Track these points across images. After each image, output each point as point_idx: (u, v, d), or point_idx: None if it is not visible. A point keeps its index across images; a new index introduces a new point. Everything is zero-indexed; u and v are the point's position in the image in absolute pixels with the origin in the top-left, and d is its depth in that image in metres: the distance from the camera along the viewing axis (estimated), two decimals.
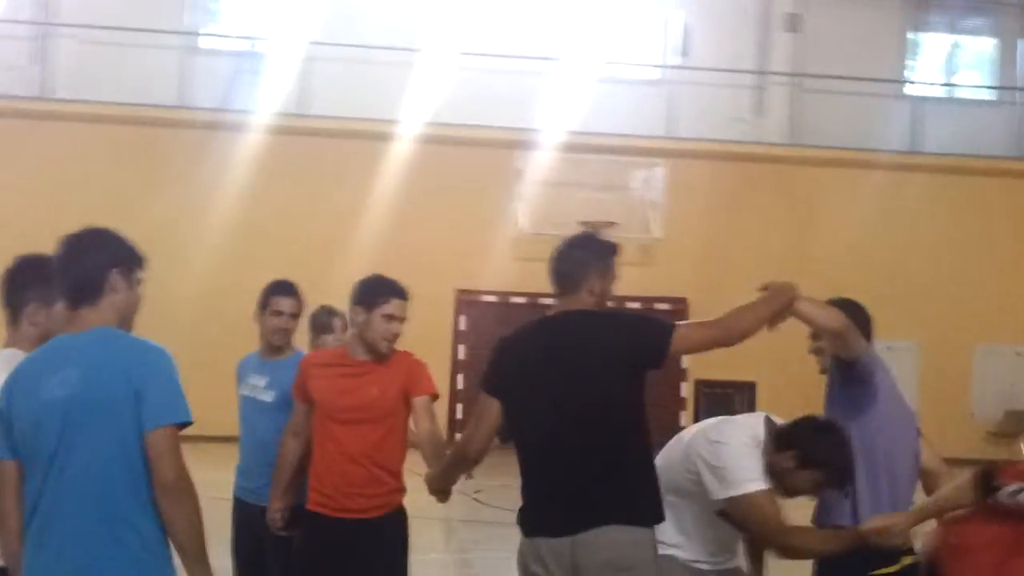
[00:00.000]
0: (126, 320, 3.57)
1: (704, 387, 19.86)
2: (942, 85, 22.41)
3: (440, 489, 4.80)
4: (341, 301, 5.61)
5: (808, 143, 20.72)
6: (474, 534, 12.09)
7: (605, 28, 20.86)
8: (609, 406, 4.14)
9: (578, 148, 19.12)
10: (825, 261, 18.97)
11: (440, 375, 17.00)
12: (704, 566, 4.55)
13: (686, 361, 18.89)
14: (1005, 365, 20.75)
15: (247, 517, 5.75)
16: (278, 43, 19.77)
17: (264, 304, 5.86)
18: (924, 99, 21.94)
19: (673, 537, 4.44)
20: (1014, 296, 20.45)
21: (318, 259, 16.93)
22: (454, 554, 11.59)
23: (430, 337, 16.65)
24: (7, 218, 16.94)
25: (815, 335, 4.62)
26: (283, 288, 5.89)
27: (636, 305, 17.04)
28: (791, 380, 14.05)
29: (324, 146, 19.11)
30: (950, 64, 22.57)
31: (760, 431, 4.38)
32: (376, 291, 5.13)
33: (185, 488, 3.38)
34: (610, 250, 4.45)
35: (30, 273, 3.93)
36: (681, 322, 4.30)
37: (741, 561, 4.79)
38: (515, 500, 4.33)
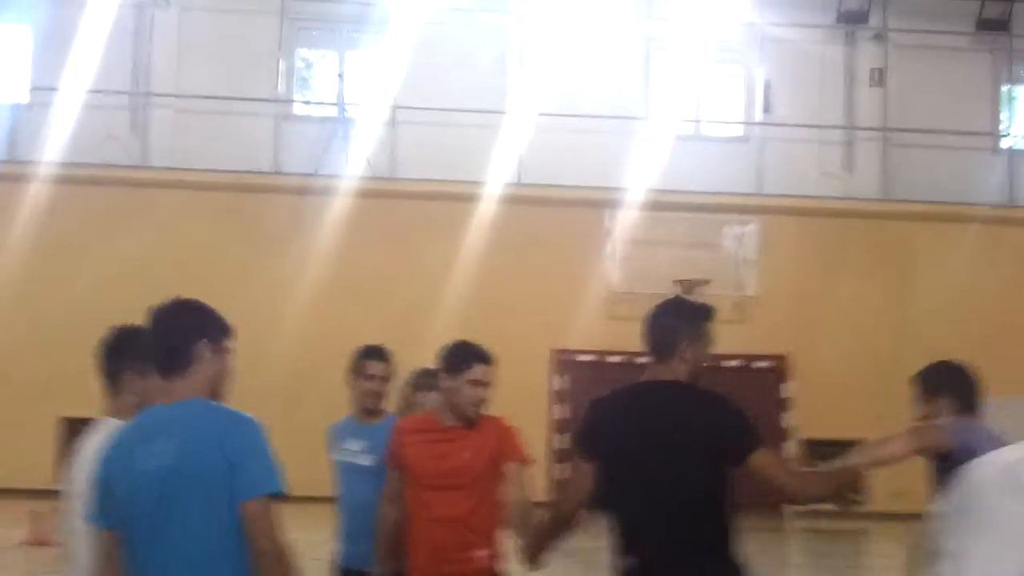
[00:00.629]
0: (218, 389, 3.60)
1: (810, 447, 19.35)
2: None
3: (534, 556, 4.73)
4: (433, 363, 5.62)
5: (900, 198, 20.45)
6: None
7: (689, 86, 20.86)
8: (698, 491, 4.15)
9: (666, 206, 19.04)
10: (923, 318, 18.65)
11: (537, 435, 17.08)
12: None
13: (791, 419, 18.80)
14: None
15: None
16: (366, 108, 20.03)
17: (356, 368, 5.91)
18: (1020, 152, 21.56)
19: None
20: None
21: (410, 321, 16.98)
22: None
23: (526, 397, 16.66)
24: (108, 286, 17.24)
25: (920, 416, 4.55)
26: (374, 352, 5.96)
27: (735, 363, 16.85)
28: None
29: (414, 208, 19.25)
30: None
31: None
32: (461, 357, 5.14)
33: (282, 557, 3.39)
34: (702, 315, 4.40)
35: (127, 343, 4.01)
36: (770, 450, 4.27)
37: None
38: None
